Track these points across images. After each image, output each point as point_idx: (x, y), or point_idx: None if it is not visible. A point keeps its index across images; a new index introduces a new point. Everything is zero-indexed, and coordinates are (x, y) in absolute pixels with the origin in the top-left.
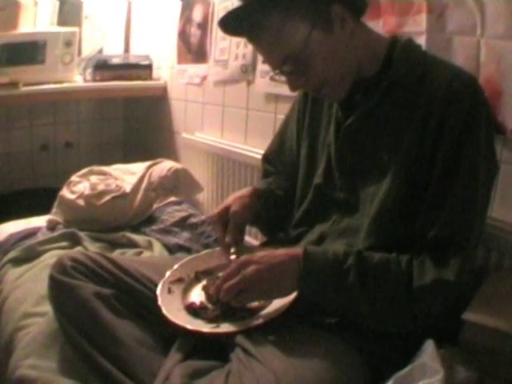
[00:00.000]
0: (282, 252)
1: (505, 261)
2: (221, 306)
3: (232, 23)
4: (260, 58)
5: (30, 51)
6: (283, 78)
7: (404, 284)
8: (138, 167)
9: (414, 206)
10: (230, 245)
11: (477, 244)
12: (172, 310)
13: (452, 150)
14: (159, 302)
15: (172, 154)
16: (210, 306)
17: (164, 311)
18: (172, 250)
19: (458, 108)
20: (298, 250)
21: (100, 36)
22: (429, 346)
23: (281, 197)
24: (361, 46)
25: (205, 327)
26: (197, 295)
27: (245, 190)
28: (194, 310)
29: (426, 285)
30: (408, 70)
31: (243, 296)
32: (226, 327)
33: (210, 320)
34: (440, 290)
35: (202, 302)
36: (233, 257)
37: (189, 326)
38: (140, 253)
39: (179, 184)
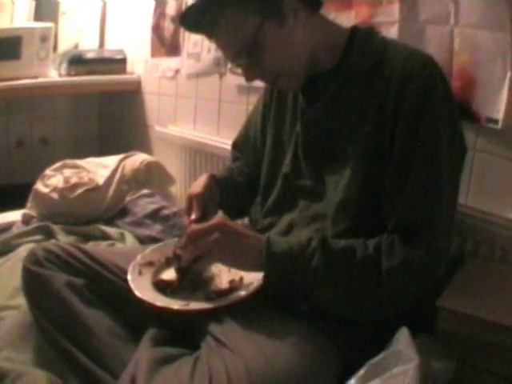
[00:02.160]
0: (250, 233)
1: (480, 248)
2: (189, 282)
3: (191, 20)
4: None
5: (5, 47)
6: (240, 71)
7: (372, 267)
8: (111, 160)
9: (377, 191)
10: (194, 222)
11: (451, 228)
12: (142, 289)
13: (409, 132)
14: (129, 281)
15: (146, 148)
16: (177, 280)
17: (134, 289)
18: (144, 241)
19: (412, 88)
20: (263, 236)
21: (76, 31)
22: (403, 334)
23: (241, 183)
24: (317, 37)
25: (174, 305)
26: (167, 277)
27: (203, 176)
28: (163, 288)
29: (395, 265)
30: (366, 58)
31: (206, 259)
32: (195, 306)
33: (178, 293)
34: (409, 270)
35: (170, 280)
36: None
37: (158, 303)
38: (112, 245)
39: (152, 177)
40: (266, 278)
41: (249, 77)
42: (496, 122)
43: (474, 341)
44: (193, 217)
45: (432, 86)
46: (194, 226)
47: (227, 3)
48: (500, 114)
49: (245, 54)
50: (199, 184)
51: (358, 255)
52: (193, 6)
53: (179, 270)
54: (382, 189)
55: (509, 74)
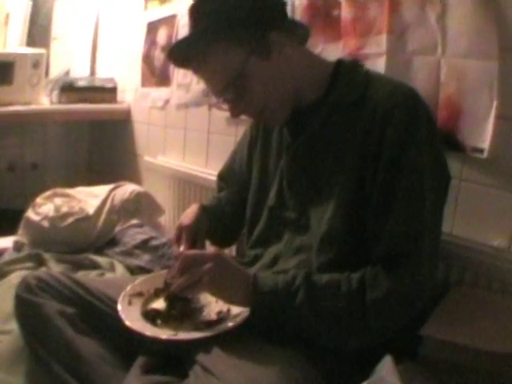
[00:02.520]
0: (241, 268)
1: (465, 276)
2: (178, 312)
3: (179, 55)
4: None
5: None
6: (225, 106)
7: (356, 301)
8: (101, 190)
9: (362, 223)
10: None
11: (436, 257)
12: (132, 319)
13: (392, 163)
14: (119, 311)
15: (135, 177)
16: (166, 307)
17: (124, 319)
18: (134, 271)
19: (395, 120)
20: (249, 272)
21: (67, 57)
22: (387, 362)
23: (229, 212)
24: (302, 71)
25: (163, 334)
26: (156, 306)
27: (194, 206)
28: (152, 317)
29: (379, 297)
30: (350, 91)
31: (196, 287)
32: (184, 336)
33: (167, 323)
34: (393, 300)
35: (159, 309)
36: None
37: (147, 333)
38: (102, 274)
39: (141, 207)
40: (252, 313)
41: (234, 112)
42: (482, 151)
43: (458, 367)
44: (181, 249)
45: (415, 117)
46: (189, 252)
47: (214, 38)
48: (486, 143)
49: (230, 89)
50: (189, 215)
51: (341, 290)
52: (180, 41)
53: (169, 297)
54: (366, 220)
55: (495, 103)
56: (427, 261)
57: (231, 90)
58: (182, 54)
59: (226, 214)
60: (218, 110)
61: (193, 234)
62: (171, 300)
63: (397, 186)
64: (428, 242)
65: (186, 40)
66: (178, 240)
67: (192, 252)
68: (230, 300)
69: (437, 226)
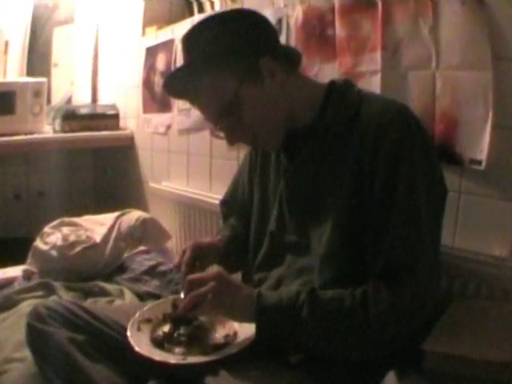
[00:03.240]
0: (243, 285)
1: (468, 288)
2: (186, 337)
3: (173, 87)
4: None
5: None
6: (222, 134)
7: (360, 315)
8: (107, 218)
9: (360, 240)
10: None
11: (436, 269)
12: (141, 344)
13: (386, 180)
14: (129, 337)
15: (140, 203)
16: (171, 329)
17: (133, 345)
18: (143, 297)
19: (388, 137)
20: (253, 289)
21: (68, 84)
22: (391, 377)
23: (243, 241)
24: (295, 96)
25: (172, 359)
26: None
27: (218, 238)
28: (161, 342)
29: (382, 310)
30: (343, 111)
31: (201, 307)
32: (192, 359)
33: (176, 344)
34: (396, 312)
35: (166, 332)
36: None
37: (156, 357)
38: (112, 301)
39: (147, 233)
40: (257, 329)
41: (230, 140)
42: (479, 162)
43: (462, 379)
44: (174, 262)
45: (407, 133)
46: (193, 275)
47: (204, 69)
48: (483, 154)
49: (225, 117)
50: (208, 242)
51: (345, 304)
52: (174, 74)
53: (173, 319)
54: (364, 237)
55: (491, 113)
56: (427, 273)
57: (226, 119)
58: (176, 87)
59: (241, 242)
60: (217, 139)
61: (192, 257)
62: (175, 321)
63: (393, 202)
64: (427, 255)
65: (177, 73)
66: (178, 263)
67: (195, 275)
68: (235, 316)
69: (435, 238)
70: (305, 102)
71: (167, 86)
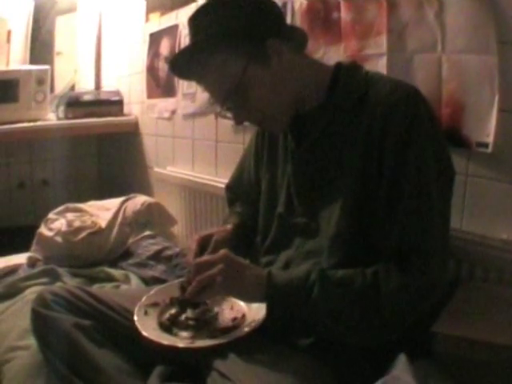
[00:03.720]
0: (252, 265)
1: (476, 271)
2: (194, 321)
3: (180, 67)
4: (218, 112)
5: (3, 90)
6: (229, 115)
7: (370, 294)
8: (113, 203)
9: (370, 222)
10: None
11: (446, 250)
12: (148, 328)
13: (396, 160)
14: (136, 322)
15: (146, 189)
16: (176, 314)
17: (140, 329)
18: (148, 282)
19: (397, 118)
20: (262, 270)
21: (72, 72)
22: (401, 360)
23: (251, 227)
24: (302, 77)
25: (180, 343)
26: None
27: (228, 226)
28: (168, 327)
29: (393, 290)
30: (351, 93)
31: (210, 289)
32: (200, 343)
33: (184, 328)
34: (407, 293)
35: (174, 316)
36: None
37: (164, 342)
38: (117, 286)
39: (153, 218)
40: (268, 309)
41: (237, 119)
42: (486, 145)
43: (472, 362)
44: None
45: (416, 114)
46: (200, 259)
47: (212, 50)
48: (490, 137)
49: (232, 97)
50: (223, 235)
51: (356, 284)
52: (180, 53)
53: (180, 302)
54: (373, 219)
55: (497, 97)
56: (437, 255)
57: (233, 99)
58: (182, 67)
59: (249, 228)
60: (223, 119)
61: (200, 244)
62: (182, 305)
63: (402, 182)
64: (437, 237)
65: (184, 53)
66: (200, 239)
67: (202, 257)
68: (245, 297)
69: (445, 220)
70: (312, 82)
71: (173, 66)
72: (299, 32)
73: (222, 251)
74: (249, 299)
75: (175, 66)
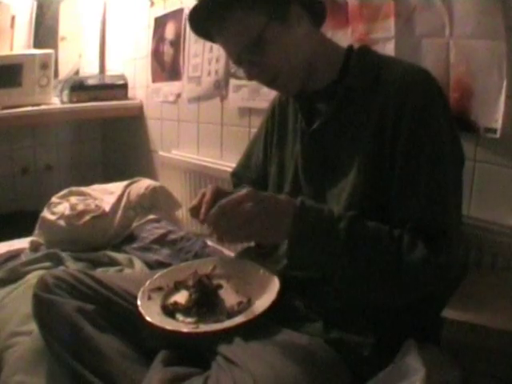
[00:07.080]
0: (282, 197)
1: (484, 258)
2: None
3: (199, 18)
4: (232, 73)
5: (6, 74)
6: (242, 71)
7: (394, 255)
8: (117, 186)
9: (379, 199)
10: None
11: (459, 234)
12: (151, 313)
13: (412, 136)
14: (139, 307)
15: (150, 172)
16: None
17: (144, 314)
18: (153, 266)
19: (412, 98)
20: (296, 200)
21: (76, 57)
22: (410, 346)
23: None
24: (316, 49)
25: (184, 328)
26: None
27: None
28: (172, 311)
29: (416, 261)
30: (363, 74)
31: (235, 231)
32: (205, 328)
33: (187, 316)
34: (428, 268)
35: (179, 302)
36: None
37: (168, 327)
38: (121, 270)
39: (157, 202)
40: (289, 247)
41: (250, 74)
42: (494, 131)
43: (480, 349)
44: (191, 204)
45: (431, 95)
46: (224, 200)
47: (235, 3)
48: (498, 123)
49: (248, 51)
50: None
51: (382, 241)
52: (201, 4)
53: (199, 281)
54: (386, 196)
55: (505, 83)
56: (455, 235)
57: (249, 54)
58: (201, 18)
59: None
60: (231, 99)
61: (212, 199)
62: (199, 286)
63: (419, 159)
64: (454, 216)
65: (205, 3)
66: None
67: (226, 199)
68: (273, 230)
69: (459, 200)
70: (325, 58)
71: (193, 17)
72: (321, 6)
73: (246, 189)
74: (274, 239)
75: (194, 18)
